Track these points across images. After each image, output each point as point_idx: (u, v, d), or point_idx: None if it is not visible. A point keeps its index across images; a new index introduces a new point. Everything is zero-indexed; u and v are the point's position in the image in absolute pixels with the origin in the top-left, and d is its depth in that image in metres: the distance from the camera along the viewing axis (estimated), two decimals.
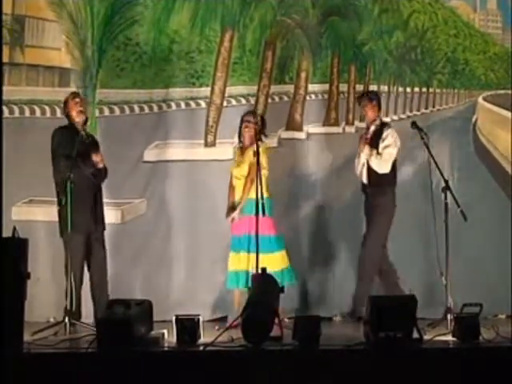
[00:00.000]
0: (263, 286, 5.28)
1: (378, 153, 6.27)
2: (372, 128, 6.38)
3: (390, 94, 7.19)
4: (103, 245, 6.09)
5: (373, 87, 7.15)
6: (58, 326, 5.67)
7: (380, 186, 6.28)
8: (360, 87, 7.14)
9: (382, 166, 6.26)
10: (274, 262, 5.99)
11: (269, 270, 5.49)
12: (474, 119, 7.25)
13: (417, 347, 4.90)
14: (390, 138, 6.28)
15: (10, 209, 6.64)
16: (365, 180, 6.36)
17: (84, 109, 6.07)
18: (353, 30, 7.07)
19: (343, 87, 7.12)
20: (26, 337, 5.01)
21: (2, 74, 6.62)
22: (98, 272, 6.05)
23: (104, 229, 6.12)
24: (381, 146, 6.27)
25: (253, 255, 5.79)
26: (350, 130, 7.14)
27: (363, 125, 7.12)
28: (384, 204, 6.25)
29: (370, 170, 6.32)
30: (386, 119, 6.80)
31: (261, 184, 5.70)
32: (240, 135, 6.22)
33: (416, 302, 5.01)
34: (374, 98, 6.42)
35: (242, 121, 6.18)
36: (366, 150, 6.29)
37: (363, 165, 6.34)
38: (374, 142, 6.30)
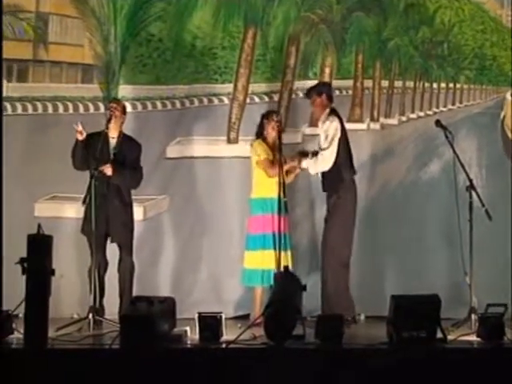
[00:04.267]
0: (286, 284, 5.26)
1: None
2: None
3: (415, 90, 7.13)
4: (129, 251, 6.11)
5: (398, 83, 7.09)
6: (81, 323, 5.70)
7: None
8: (385, 83, 7.08)
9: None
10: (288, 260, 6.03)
11: None
12: (502, 116, 7.15)
13: (440, 347, 4.86)
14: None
15: (32, 205, 6.70)
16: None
17: (113, 110, 6.08)
18: (378, 25, 7.00)
19: (368, 83, 7.07)
20: (51, 333, 5.03)
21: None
22: (122, 276, 6.09)
23: (130, 235, 6.12)
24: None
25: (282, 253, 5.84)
26: (375, 126, 7.08)
27: (388, 121, 7.07)
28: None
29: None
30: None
31: (284, 183, 5.70)
32: (263, 132, 6.19)
33: (440, 301, 4.96)
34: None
35: (271, 118, 6.15)
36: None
37: None
38: None
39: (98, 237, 5.94)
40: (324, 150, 5.98)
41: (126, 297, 6.00)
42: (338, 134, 6.01)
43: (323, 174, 6.07)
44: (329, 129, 6.01)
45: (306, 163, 6.07)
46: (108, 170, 5.99)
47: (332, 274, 5.94)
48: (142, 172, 6.20)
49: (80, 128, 5.95)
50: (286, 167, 6.06)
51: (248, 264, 6.16)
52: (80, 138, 5.96)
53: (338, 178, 5.98)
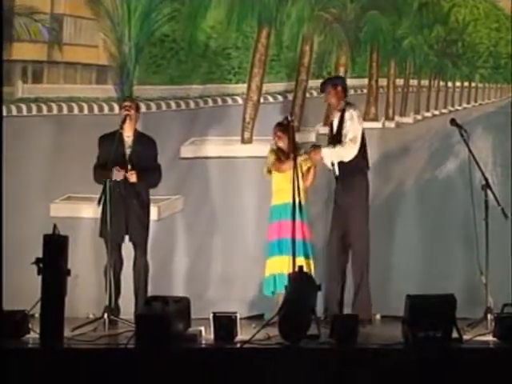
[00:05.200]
0: (300, 284, 5.25)
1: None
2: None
3: (430, 89, 7.10)
4: (144, 251, 6.12)
5: (413, 82, 7.07)
6: (97, 322, 5.72)
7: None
8: (400, 82, 7.06)
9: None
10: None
11: None
12: None
13: (456, 347, 4.83)
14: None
15: (48, 205, 6.73)
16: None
17: (128, 109, 6.08)
18: (392, 23, 6.99)
19: (382, 82, 7.05)
20: (66, 332, 5.06)
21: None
22: (137, 275, 6.11)
23: (145, 234, 6.12)
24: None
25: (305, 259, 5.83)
26: (390, 125, 7.06)
27: (403, 120, 7.04)
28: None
29: None
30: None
31: (299, 188, 5.67)
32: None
33: (455, 301, 4.93)
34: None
35: (275, 130, 6.20)
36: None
37: None
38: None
39: (115, 236, 5.95)
40: (350, 138, 5.92)
41: (141, 297, 6.02)
42: (362, 122, 6.00)
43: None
44: (353, 117, 5.96)
45: (328, 153, 6.00)
46: (132, 177, 6.01)
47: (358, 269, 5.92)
48: (160, 170, 6.20)
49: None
50: (301, 158, 6.01)
51: (266, 272, 6.13)
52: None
53: (358, 166, 5.93)
